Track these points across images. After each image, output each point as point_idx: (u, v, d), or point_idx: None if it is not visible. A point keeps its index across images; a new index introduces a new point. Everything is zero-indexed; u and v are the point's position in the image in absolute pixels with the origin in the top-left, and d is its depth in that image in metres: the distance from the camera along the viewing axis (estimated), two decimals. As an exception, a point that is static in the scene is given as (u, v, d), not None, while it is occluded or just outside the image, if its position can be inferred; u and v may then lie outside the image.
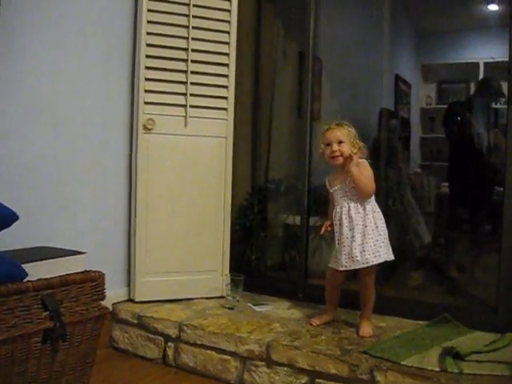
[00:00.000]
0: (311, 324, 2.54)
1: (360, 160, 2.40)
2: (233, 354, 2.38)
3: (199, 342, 2.46)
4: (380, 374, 2.05)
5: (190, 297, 2.86)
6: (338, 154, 2.40)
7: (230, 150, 2.91)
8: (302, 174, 3.00)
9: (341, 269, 2.40)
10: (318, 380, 2.18)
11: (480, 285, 3.03)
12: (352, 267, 2.38)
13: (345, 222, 2.40)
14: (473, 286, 3.08)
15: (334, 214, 2.47)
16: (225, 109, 2.88)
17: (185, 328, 2.51)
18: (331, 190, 2.49)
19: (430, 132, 5.96)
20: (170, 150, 2.79)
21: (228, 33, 2.87)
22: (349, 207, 2.41)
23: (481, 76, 5.63)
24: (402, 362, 2.07)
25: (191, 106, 2.80)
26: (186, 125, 2.80)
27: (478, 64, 5.57)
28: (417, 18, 5.09)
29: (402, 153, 5.03)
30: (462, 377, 1.96)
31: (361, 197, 2.39)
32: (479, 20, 5.19)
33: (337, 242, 2.44)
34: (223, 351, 2.40)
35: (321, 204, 2.89)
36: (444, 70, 5.83)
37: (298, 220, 3.09)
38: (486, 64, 5.52)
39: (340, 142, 2.40)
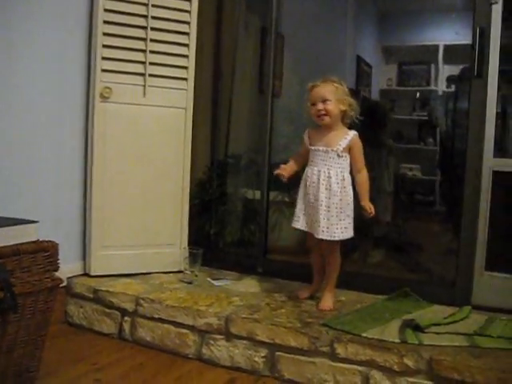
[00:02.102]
0: (299, 297, 2.50)
1: (352, 134, 2.34)
2: (191, 327, 2.33)
3: (156, 316, 2.41)
4: (340, 346, 2.05)
5: (147, 271, 2.80)
6: (323, 112, 2.30)
7: (189, 122, 2.84)
8: (263, 148, 2.95)
9: (310, 231, 2.36)
10: (277, 353, 2.16)
11: (438, 261, 3.06)
12: (320, 236, 2.31)
13: (322, 187, 2.31)
14: (431, 262, 3.11)
15: (306, 173, 2.38)
16: (185, 79, 2.81)
17: (142, 302, 2.45)
18: (312, 148, 2.38)
19: (390, 113, 6.00)
20: (127, 119, 2.70)
21: (189, 0, 2.78)
22: (329, 173, 2.32)
23: (440, 58, 5.71)
24: (363, 334, 2.06)
25: (150, 75, 2.71)
26: (144, 94, 2.71)
27: (437, 46, 5.64)
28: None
29: (369, 132, 5.06)
30: (421, 348, 1.97)
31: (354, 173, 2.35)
32: (440, 2, 5.25)
33: (310, 204, 2.35)
34: (181, 325, 2.35)
35: (281, 180, 2.87)
36: (404, 52, 5.88)
37: (257, 195, 3.05)
38: (445, 46, 5.60)
39: (325, 101, 2.30)
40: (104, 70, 2.63)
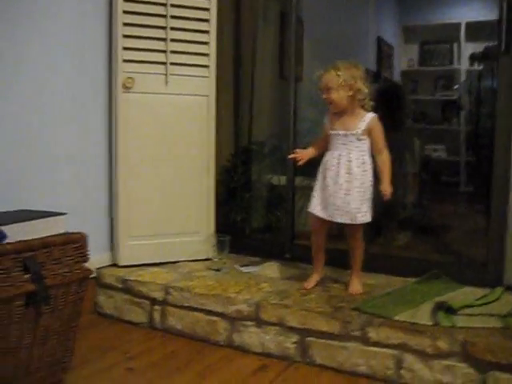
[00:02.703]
0: (305, 289, 2.45)
1: (370, 116, 2.32)
2: (221, 314, 2.34)
3: (186, 304, 2.42)
4: (372, 330, 2.03)
5: (175, 260, 2.81)
6: (328, 101, 2.31)
7: (212, 109, 2.83)
8: (287, 134, 2.93)
9: (327, 218, 2.35)
10: (308, 338, 2.16)
11: (468, 242, 3.02)
12: (339, 220, 2.31)
13: (342, 171, 2.31)
14: (461, 243, 3.07)
15: (326, 158, 2.37)
16: (206, 66, 2.79)
17: (171, 290, 2.46)
18: (332, 132, 2.37)
19: (412, 94, 5.94)
20: (150, 109, 2.70)
21: (208, -12, 2.76)
22: (349, 157, 2.31)
23: (462, 37, 5.61)
24: (394, 317, 2.05)
25: (172, 64, 2.70)
26: (166, 83, 2.70)
27: (459, 24, 5.55)
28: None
29: (388, 114, 5.01)
30: (455, 330, 1.95)
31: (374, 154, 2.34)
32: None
33: (328, 188, 2.34)
34: (211, 312, 2.36)
35: (306, 164, 2.85)
36: (425, 32, 5.79)
37: (283, 180, 3.04)
38: (467, 24, 5.50)
39: (328, 89, 2.29)
40: (125, 61, 2.62)
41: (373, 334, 2.03)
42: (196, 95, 2.78)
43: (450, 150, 5.61)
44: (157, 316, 2.50)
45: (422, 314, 2.07)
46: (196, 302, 2.39)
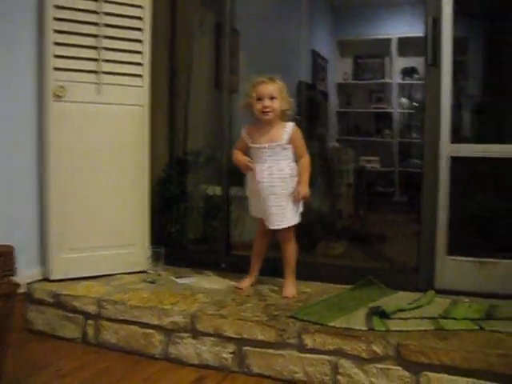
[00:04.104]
0: (240, 288, 2.52)
1: (291, 125, 2.42)
2: (156, 327, 2.30)
3: (120, 318, 2.36)
4: (308, 337, 2.04)
5: (109, 273, 2.74)
6: (269, 109, 2.37)
7: (146, 119, 2.80)
8: (222, 144, 2.93)
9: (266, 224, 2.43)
10: (245, 347, 2.15)
11: (401, 249, 3.09)
12: (271, 227, 2.41)
13: (276, 182, 2.39)
14: (394, 250, 3.15)
15: (255, 171, 2.42)
16: (140, 76, 2.76)
17: (104, 304, 2.40)
18: (253, 145, 2.44)
19: (346, 106, 6.07)
20: (83, 118, 2.64)
21: (142, -2, 2.74)
22: (280, 167, 2.40)
23: (393, 51, 5.78)
24: (330, 324, 2.06)
25: (104, 73, 2.66)
26: (99, 92, 2.66)
27: (390, 40, 5.73)
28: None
29: (321, 126, 5.10)
30: (388, 334, 1.98)
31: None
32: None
33: (259, 198, 2.43)
34: (146, 325, 2.32)
35: (241, 174, 2.86)
36: (359, 46, 5.93)
37: (218, 191, 3.03)
38: (399, 39, 5.68)
39: (272, 98, 2.37)
40: (57, 69, 2.56)
41: (309, 340, 2.04)
42: (130, 105, 2.75)
43: (384, 161, 5.75)
44: (90, 331, 2.43)
45: (357, 320, 2.10)
46: (131, 315, 2.34)
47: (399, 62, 5.84)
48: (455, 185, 2.46)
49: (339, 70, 6.07)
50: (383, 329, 2.02)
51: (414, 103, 5.80)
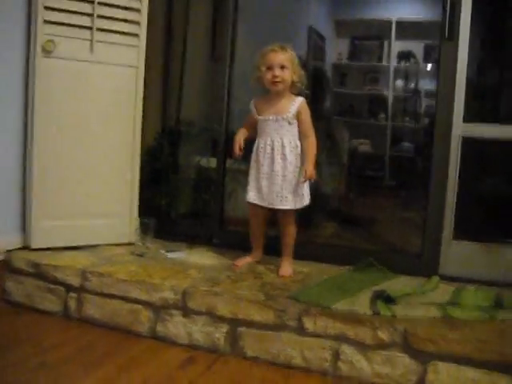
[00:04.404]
0: (235, 265, 2.39)
1: (300, 99, 2.29)
2: (144, 303, 2.15)
3: (106, 291, 2.21)
4: (309, 320, 1.91)
5: (94, 243, 2.58)
6: (279, 79, 2.23)
7: (140, 82, 2.62)
8: (219, 115, 2.77)
9: (268, 206, 2.30)
10: (240, 328, 2.01)
11: (401, 233, 2.97)
12: (280, 206, 2.27)
13: (277, 157, 2.26)
14: (396, 233, 3.03)
15: (258, 145, 2.32)
16: (136, 35, 2.58)
17: (89, 276, 2.24)
18: (259, 117, 2.32)
19: (341, 87, 5.92)
20: (73, 77, 2.46)
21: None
22: (282, 142, 2.26)
23: (393, 34, 5.64)
24: (332, 306, 1.93)
25: (98, 29, 2.47)
26: (91, 50, 2.47)
27: (390, 22, 5.58)
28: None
29: (316, 104, 4.95)
30: (395, 320, 1.86)
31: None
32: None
33: (262, 175, 2.29)
34: (133, 300, 2.17)
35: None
36: (357, 27, 5.77)
37: (212, 163, 2.88)
38: (397, 22, 5.54)
39: (282, 67, 2.23)
40: (47, 22, 2.37)
41: (309, 323, 1.91)
42: (124, 66, 2.57)
43: (376, 144, 5.63)
44: (73, 304, 2.27)
45: (361, 303, 1.97)
46: (117, 289, 2.19)
47: (396, 46, 5.70)
48: (465, 166, 2.34)
49: (335, 50, 5.91)
50: (389, 314, 1.90)
51: (410, 87, 5.69)
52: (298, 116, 2.27)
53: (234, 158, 2.46)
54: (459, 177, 2.34)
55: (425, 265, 2.38)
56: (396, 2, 5.44)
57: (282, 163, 2.25)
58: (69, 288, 2.28)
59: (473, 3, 2.25)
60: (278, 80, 2.23)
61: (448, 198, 2.35)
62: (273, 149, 2.27)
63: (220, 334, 2.03)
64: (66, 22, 2.40)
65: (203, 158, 3.00)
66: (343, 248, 2.66)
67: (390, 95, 5.76)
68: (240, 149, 2.37)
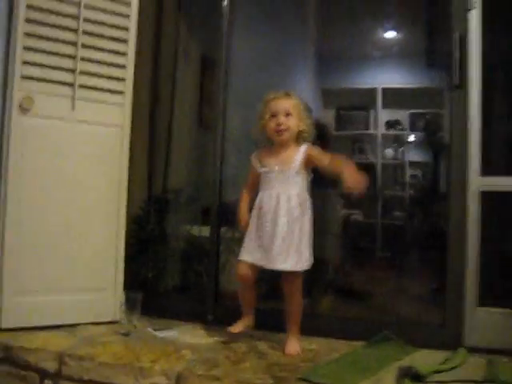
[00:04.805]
0: (231, 332, 2.12)
1: (306, 145, 2.10)
2: (132, 390, 1.84)
3: (86, 378, 1.90)
4: (328, 406, 1.62)
5: (73, 322, 2.28)
6: (284, 127, 2.04)
7: (126, 142, 2.42)
8: (213, 182, 2.56)
9: (267, 267, 2.03)
10: (245, 418, 1.71)
11: (421, 302, 2.73)
12: (279, 267, 2.01)
13: (281, 212, 2.02)
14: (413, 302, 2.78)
15: (261, 199, 2.09)
16: (121, 92, 2.39)
17: (67, 360, 1.94)
18: (263, 170, 2.10)
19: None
20: (52, 137, 2.25)
21: (128, 5, 2.40)
22: (288, 195, 2.04)
23: (379, 101, 5.61)
24: (353, 389, 1.65)
25: (81, 86, 2.28)
26: (73, 107, 2.28)
27: (376, 90, 5.56)
28: (318, 42, 4.97)
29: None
30: (429, 402, 1.58)
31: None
32: (377, 47, 5.18)
33: (266, 232, 2.05)
34: (119, 387, 1.86)
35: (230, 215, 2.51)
36: (343, 96, 5.73)
37: (204, 231, 2.64)
38: (383, 90, 5.52)
39: (287, 115, 2.05)
40: (25, 77, 2.18)
41: (329, 410, 1.63)
42: (108, 125, 2.37)
43: (367, 214, 5.46)
44: (48, 393, 1.95)
45: (386, 383, 1.69)
46: (99, 375, 1.89)
47: (383, 115, 5.67)
48: (487, 224, 2.13)
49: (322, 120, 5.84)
50: (421, 395, 1.62)
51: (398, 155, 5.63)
52: (308, 161, 2.06)
53: (240, 230, 2.21)
54: (481, 236, 2.12)
55: (447, 336, 2.12)
56: (381, 70, 5.43)
57: (286, 219, 2.02)
58: (44, 374, 1.97)
59: (483, 40, 2.12)
60: (282, 128, 2.05)
61: (470, 260, 2.12)
62: (278, 203, 2.04)
63: (221, 425, 1.73)
64: (45, 77, 2.21)
65: (194, 226, 2.76)
66: (353, 321, 2.38)
67: (378, 163, 5.66)
68: (247, 223, 2.14)
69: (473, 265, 2.12)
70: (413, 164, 5.52)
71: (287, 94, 2.09)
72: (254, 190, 2.16)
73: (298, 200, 2.04)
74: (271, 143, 2.13)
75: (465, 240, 2.13)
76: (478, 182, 2.14)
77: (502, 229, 2.20)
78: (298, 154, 2.07)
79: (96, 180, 2.36)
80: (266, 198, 2.08)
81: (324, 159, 2.04)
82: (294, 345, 2.06)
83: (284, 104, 2.06)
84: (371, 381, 1.72)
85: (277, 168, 2.06)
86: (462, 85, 2.17)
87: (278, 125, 2.04)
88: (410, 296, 2.97)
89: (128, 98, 2.41)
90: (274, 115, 2.06)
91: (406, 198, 5.53)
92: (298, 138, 2.11)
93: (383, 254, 5.00)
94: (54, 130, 2.25)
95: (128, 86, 2.41)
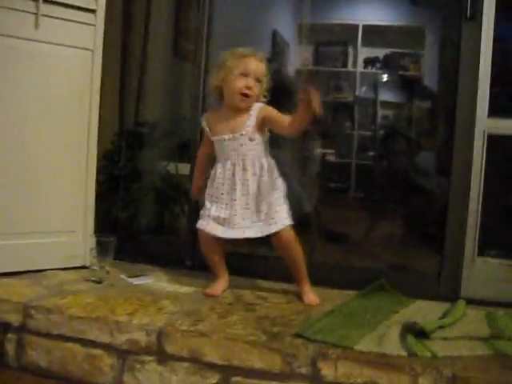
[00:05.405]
0: (212, 295, 1.96)
1: (257, 106, 1.93)
2: (107, 346, 1.67)
3: (55, 332, 1.71)
4: (327, 366, 1.48)
5: (39, 268, 2.08)
6: (251, 92, 1.86)
7: (97, 68, 2.16)
8: (195, 116, 2.33)
9: (231, 237, 1.92)
10: (235, 378, 1.56)
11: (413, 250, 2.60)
12: (249, 235, 1.91)
13: (239, 186, 1.89)
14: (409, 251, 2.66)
15: (217, 171, 1.94)
16: (93, 11, 2.11)
17: (33, 312, 1.74)
18: (215, 138, 1.94)
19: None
20: (13, 60, 1.97)
21: None
22: (244, 166, 1.89)
23: (359, 39, 5.39)
24: (356, 347, 1.51)
25: (46, 1, 1.99)
26: (36, 26, 1.99)
27: (357, 26, 5.33)
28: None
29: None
30: (440, 362, 1.45)
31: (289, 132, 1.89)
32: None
33: (225, 205, 1.92)
34: (92, 343, 1.68)
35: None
36: (322, 31, 5.48)
37: (182, 169, 2.44)
38: (364, 27, 5.30)
39: (258, 81, 1.87)
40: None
41: (329, 370, 1.48)
42: (77, 47, 2.10)
43: (341, 153, 5.33)
44: (11, 349, 1.76)
45: (390, 341, 1.56)
46: (70, 329, 1.70)
47: (362, 52, 5.48)
48: (491, 169, 1.98)
49: (300, 56, 5.62)
50: (429, 354, 1.49)
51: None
52: (262, 123, 1.90)
53: (192, 197, 2.12)
54: (485, 181, 1.98)
55: (444, 286, 2.01)
56: (363, 5, 5.20)
57: (244, 191, 1.89)
58: (6, 328, 1.77)
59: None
60: (250, 93, 1.86)
61: (471, 207, 1.99)
62: (234, 174, 1.90)
63: (208, 385, 1.58)
64: (4, -11, 1.91)
65: (171, 163, 2.55)
66: (345, 269, 2.26)
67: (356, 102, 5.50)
68: (199, 191, 2.06)
69: (474, 212, 1.99)
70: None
71: (261, 58, 1.90)
72: (211, 154, 2.02)
73: (254, 169, 1.89)
74: (219, 103, 1.96)
75: (468, 184, 1.99)
76: (485, 123, 1.97)
77: (507, 175, 2.06)
78: (250, 116, 1.89)
79: (63, 110, 2.11)
80: (220, 169, 1.93)
81: (283, 120, 1.87)
82: (312, 294, 1.95)
83: (258, 66, 1.88)
84: (373, 337, 1.57)
85: (227, 137, 1.90)
86: (475, 16, 1.97)
87: (248, 88, 1.85)
88: (403, 243, 2.85)
89: (100, 18, 2.13)
90: (243, 74, 1.86)
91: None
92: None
93: (364, 195, 4.91)
94: (16, 50, 1.97)
95: (100, 3, 2.12)
